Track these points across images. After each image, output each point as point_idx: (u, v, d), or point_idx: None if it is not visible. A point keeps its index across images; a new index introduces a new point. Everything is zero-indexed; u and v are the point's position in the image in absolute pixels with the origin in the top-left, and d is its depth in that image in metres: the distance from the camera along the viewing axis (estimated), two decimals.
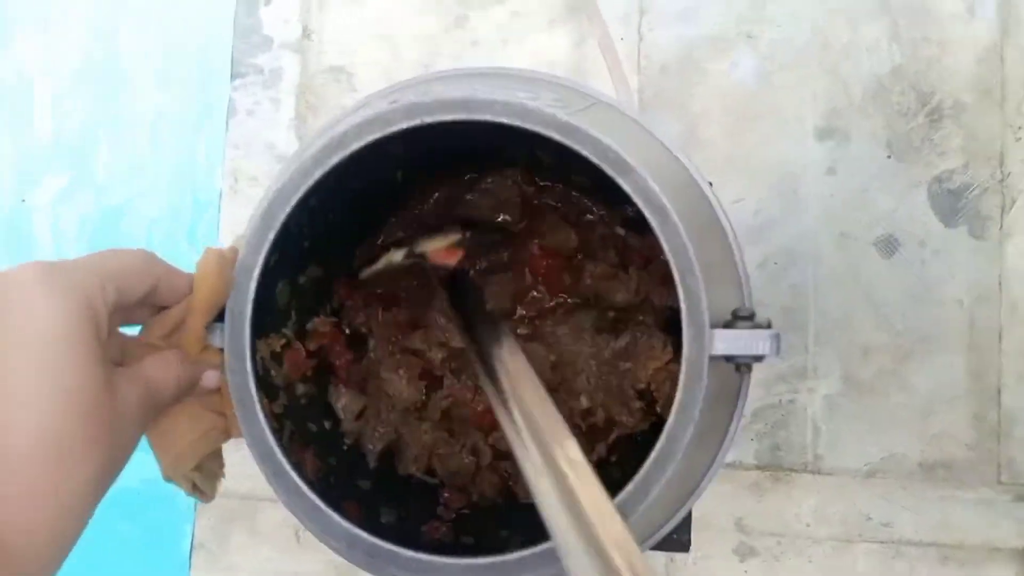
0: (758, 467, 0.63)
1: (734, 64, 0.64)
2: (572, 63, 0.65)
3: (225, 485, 0.67)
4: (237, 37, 0.68)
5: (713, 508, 0.63)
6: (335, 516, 0.29)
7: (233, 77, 0.68)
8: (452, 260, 0.42)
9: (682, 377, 0.28)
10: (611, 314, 0.44)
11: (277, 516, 0.66)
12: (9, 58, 0.69)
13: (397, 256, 0.44)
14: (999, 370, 0.61)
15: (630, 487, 0.28)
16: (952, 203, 0.63)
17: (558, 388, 0.43)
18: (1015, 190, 0.62)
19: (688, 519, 0.52)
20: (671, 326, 0.42)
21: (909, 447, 0.62)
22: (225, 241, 0.68)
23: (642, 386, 0.41)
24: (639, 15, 0.65)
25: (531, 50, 0.66)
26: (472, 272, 0.44)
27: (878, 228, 0.63)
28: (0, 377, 0.23)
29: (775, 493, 0.63)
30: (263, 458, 0.30)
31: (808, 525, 0.62)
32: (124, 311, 0.29)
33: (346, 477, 0.42)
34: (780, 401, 0.63)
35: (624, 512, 0.28)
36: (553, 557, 0.28)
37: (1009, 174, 0.62)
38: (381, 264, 0.42)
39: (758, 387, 0.63)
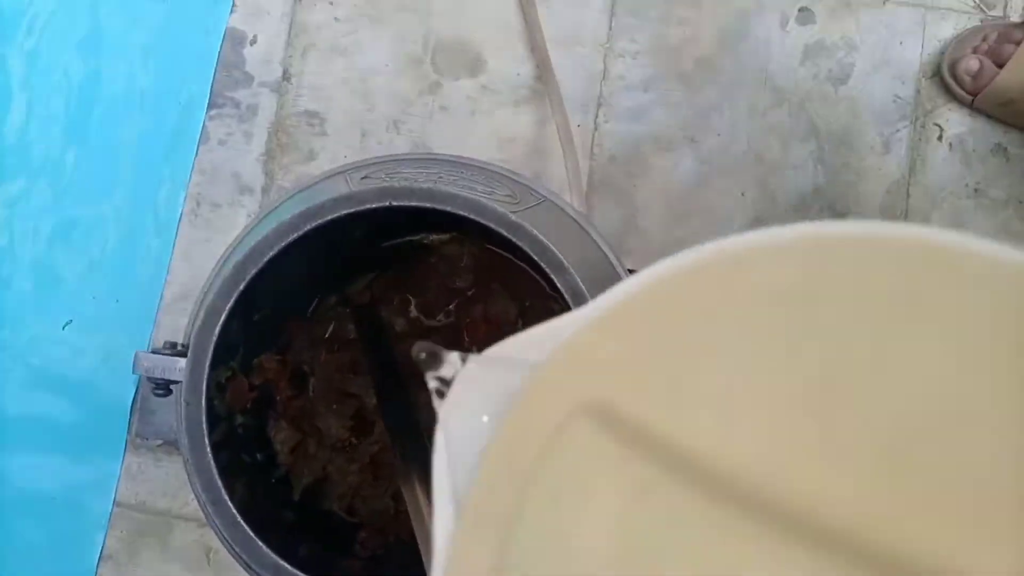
0: None
1: (676, 163, 0.71)
2: (532, 140, 0.71)
3: (142, 499, 0.68)
4: (220, 70, 0.72)
5: None
6: (264, 548, 0.32)
7: (210, 107, 0.72)
8: (364, 298, 0.48)
9: None
10: None
11: (190, 536, 0.67)
12: None
13: (331, 300, 0.49)
14: None
15: None
16: None
17: None
18: None
19: None
20: None
21: None
22: (178, 261, 0.70)
23: None
24: (596, 107, 0.72)
25: (496, 124, 0.71)
26: (381, 311, 0.49)
27: None
28: None
29: None
30: (206, 487, 0.33)
31: None
32: None
33: (271, 509, 0.45)
34: None
35: None
36: None
37: None
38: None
39: None
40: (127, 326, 0.69)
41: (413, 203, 0.33)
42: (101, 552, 0.67)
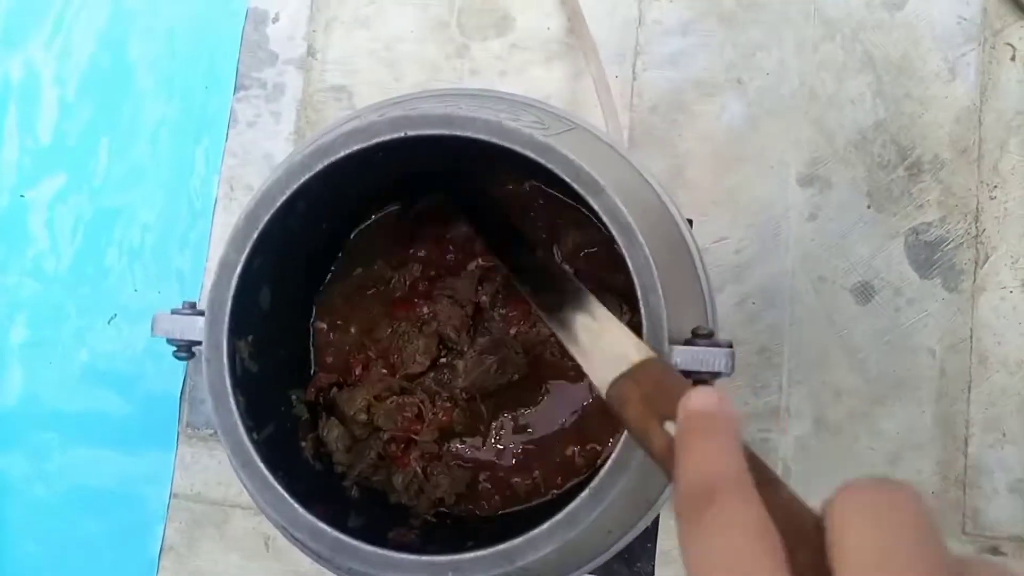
0: None
1: (722, 108, 0.66)
2: (567, 96, 0.67)
3: (198, 490, 0.67)
4: (244, 51, 0.70)
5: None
6: (300, 509, 0.30)
7: (236, 89, 0.70)
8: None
9: None
10: None
11: (248, 524, 0.66)
12: (19, 60, 0.71)
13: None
14: (967, 420, 0.63)
15: (583, 495, 0.29)
16: (928, 255, 0.65)
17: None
18: (989, 246, 0.64)
19: (652, 551, 0.53)
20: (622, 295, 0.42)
21: None
22: (215, 247, 0.69)
23: None
24: (634, 55, 0.68)
25: (528, 82, 0.68)
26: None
27: (855, 275, 0.64)
28: None
29: None
30: (234, 450, 0.30)
31: None
32: None
33: (325, 481, 0.43)
34: (753, 440, 0.64)
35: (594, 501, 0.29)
36: (504, 559, 0.29)
37: (984, 230, 0.64)
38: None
39: None
40: None
41: (429, 131, 0.30)
42: (162, 544, 0.67)
